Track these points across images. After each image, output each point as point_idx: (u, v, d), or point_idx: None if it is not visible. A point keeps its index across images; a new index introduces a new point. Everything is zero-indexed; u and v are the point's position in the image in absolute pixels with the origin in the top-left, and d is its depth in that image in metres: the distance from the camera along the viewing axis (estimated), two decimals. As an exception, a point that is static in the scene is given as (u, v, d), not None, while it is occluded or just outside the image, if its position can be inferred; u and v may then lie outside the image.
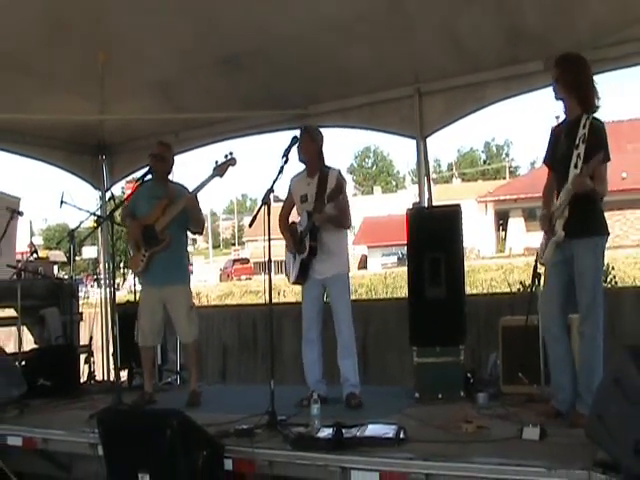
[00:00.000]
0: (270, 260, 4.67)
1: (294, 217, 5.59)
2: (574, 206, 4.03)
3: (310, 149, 5.34)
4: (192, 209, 5.65)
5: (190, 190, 5.66)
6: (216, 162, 5.49)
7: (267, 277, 4.75)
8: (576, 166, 3.97)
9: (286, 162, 4.89)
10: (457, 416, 4.26)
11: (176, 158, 6.04)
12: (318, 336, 5.39)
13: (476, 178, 63.57)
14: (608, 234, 4.18)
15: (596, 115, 4.13)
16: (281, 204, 5.64)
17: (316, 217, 5.18)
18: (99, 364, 7.55)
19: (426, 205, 6.37)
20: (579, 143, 3.96)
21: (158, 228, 5.57)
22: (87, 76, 6.36)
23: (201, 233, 6.21)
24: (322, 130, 5.56)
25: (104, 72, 6.14)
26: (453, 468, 3.50)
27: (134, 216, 5.77)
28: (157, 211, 5.60)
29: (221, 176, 5.50)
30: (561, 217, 4.08)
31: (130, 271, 6.07)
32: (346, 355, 5.25)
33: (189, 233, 6.04)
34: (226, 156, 5.48)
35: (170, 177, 5.93)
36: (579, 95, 4.12)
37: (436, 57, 5.96)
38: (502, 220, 40.03)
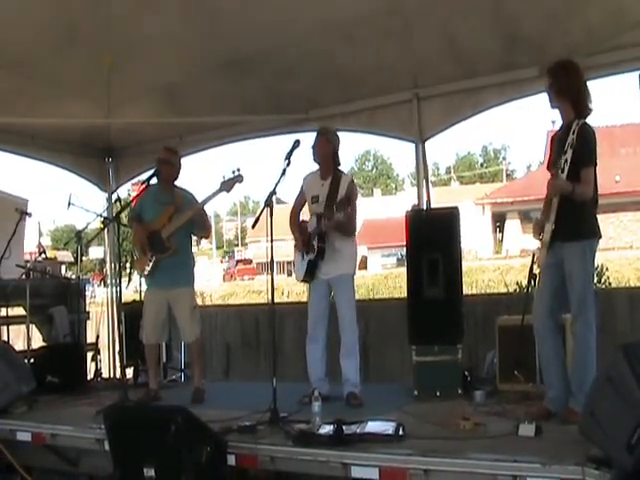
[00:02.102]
0: (272, 261, 4.72)
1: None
2: (564, 210, 4.08)
3: (324, 150, 5.41)
4: (199, 219, 5.74)
5: (196, 196, 5.76)
6: (223, 177, 5.54)
7: (269, 277, 4.81)
8: (563, 171, 4.02)
9: (288, 165, 4.93)
10: (455, 413, 4.30)
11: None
12: (323, 335, 5.44)
13: (474, 181, 63.33)
14: (600, 237, 4.23)
15: (589, 119, 4.17)
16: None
17: (324, 223, 5.24)
18: (105, 362, 7.61)
19: (425, 207, 6.41)
20: (567, 148, 4.01)
21: (164, 235, 5.65)
22: (95, 81, 6.45)
23: (207, 237, 6.28)
24: (336, 132, 5.59)
25: (110, 77, 6.24)
26: (451, 464, 3.54)
27: (140, 220, 5.84)
28: (164, 218, 5.68)
29: (228, 191, 5.56)
30: (548, 221, 4.14)
31: (136, 272, 6.14)
32: (348, 355, 5.30)
33: (195, 236, 6.08)
34: (233, 172, 5.53)
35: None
36: (572, 101, 4.19)
37: (434, 62, 6.03)
38: (499, 222, 39.99)
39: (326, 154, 5.43)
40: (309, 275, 5.41)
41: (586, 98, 4.23)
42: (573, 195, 4.06)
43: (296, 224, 5.58)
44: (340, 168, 5.48)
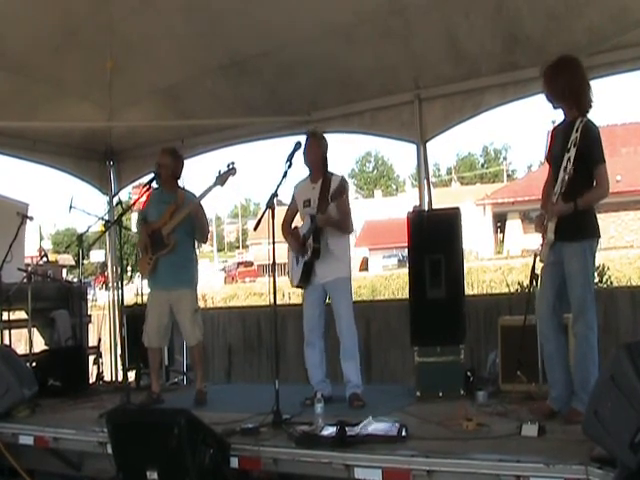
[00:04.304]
0: (274, 262, 4.71)
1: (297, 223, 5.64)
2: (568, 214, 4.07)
3: (315, 153, 5.41)
4: (196, 216, 5.74)
5: (197, 196, 5.76)
6: (219, 172, 5.58)
7: (271, 279, 4.82)
8: (565, 169, 4.01)
9: (290, 167, 4.96)
10: (457, 414, 4.30)
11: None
12: (320, 338, 5.42)
13: (474, 182, 63.48)
14: (599, 237, 4.23)
15: (591, 118, 4.14)
16: (285, 208, 5.70)
17: (318, 217, 5.20)
18: (107, 365, 7.63)
19: (426, 208, 6.39)
20: (570, 147, 4.00)
21: (164, 233, 5.67)
22: (96, 83, 6.47)
23: (205, 242, 6.24)
24: (324, 135, 5.61)
25: (112, 79, 6.25)
26: (454, 464, 3.55)
27: (146, 221, 5.89)
28: (165, 216, 5.71)
29: (222, 185, 5.58)
30: (552, 219, 4.13)
31: (137, 274, 6.16)
32: (348, 357, 5.29)
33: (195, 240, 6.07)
34: (228, 166, 5.56)
35: (180, 183, 5.99)
36: (572, 100, 4.16)
37: (435, 63, 6.03)
38: (500, 222, 40.11)
39: (317, 157, 5.43)
40: (305, 279, 5.39)
41: (586, 94, 4.20)
42: (578, 208, 4.05)
43: (289, 232, 5.56)
44: (329, 170, 5.47)
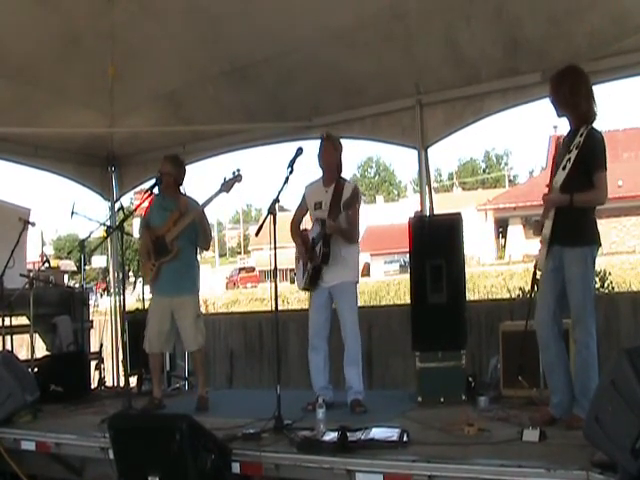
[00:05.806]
0: (276, 268, 4.72)
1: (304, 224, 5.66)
2: (563, 213, 4.10)
3: (332, 157, 5.41)
4: (199, 223, 5.75)
5: (200, 204, 5.77)
6: (224, 178, 5.59)
7: (273, 285, 4.82)
8: (564, 168, 4.03)
9: (291, 172, 4.96)
10: (459, 419, 4.30)
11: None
12: (324, 343, 5.42)
13: (476, 187, 63.51)
14: (600, 245, 4.23)
15: (594, 124, 4.16)
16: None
17: (328, 224, 5.21)
18: (109, 370, 7.64)
19: (428, 213, 6.39)
20: (572, 149, 4.03)
21: (168, 239, 5.68)
22: (97, 89, 6.48)
23: (207, 249, 6.25)
24: (339, 139, 5.59)
25: (113, 85, 6.27)
26: (455, 470, 3.55)
27: (148, 227, 5.90)
28: (169, 223, 5.72)
29: (227, 192, 5.60)
30: (549, 216, 4.15)
31: (139, 280, 6.19)
32: (351, 363, 5.29)
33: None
34: (233, 173, 5.57)
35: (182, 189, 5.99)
36: (577, 109, 4.17)
37: (436, 69, 6.03)
38: (501, 228, 40.13)
39: (333, 161, 5.43)
40: (311, 283, 5.40)
41: (591, 103, 4.21)
42: (575, 204, 4.07)
43: (297, 233, 5.57)
44: (342, 176, 5.48)
